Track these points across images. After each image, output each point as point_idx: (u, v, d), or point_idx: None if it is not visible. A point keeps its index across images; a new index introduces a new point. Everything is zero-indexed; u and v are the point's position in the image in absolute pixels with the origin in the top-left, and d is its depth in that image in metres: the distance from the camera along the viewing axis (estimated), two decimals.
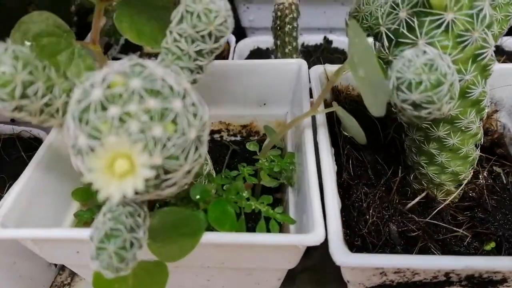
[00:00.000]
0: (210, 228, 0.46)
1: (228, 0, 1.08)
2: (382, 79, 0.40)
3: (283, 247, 0.45)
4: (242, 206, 0.49)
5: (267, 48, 1.01)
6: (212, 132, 0.78)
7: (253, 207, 0.48)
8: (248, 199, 0.49)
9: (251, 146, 0.61)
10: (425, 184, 0.58)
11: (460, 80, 0.44)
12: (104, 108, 0.30)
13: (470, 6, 0.42)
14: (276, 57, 0.82)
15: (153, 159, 0.30)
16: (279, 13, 0.76)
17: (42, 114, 0.36)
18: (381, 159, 0.61)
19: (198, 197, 0.46)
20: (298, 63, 0.70)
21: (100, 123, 0.30)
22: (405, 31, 0.43)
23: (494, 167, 0.68)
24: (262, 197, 0.51)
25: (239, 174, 0.56)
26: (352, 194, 0.55)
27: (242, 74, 0.73)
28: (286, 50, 0.79)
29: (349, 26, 0.48)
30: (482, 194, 0.58)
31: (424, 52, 0.37)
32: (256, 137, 0.78)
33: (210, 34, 0.37)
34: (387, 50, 0.46)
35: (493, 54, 0.45)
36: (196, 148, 0.34)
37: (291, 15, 0.76)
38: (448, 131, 0.50)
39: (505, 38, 1.01)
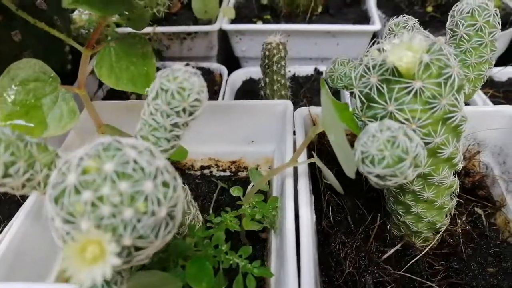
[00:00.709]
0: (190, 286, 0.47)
1: (222, 32, 1.10)
2: (349, 151, 0.42)
3: None
4: (221, 260, 0.50)
5: (259, 79, 1.03)
6: (202, 168, 0.80)
7: (231, 262, 0.50)
8: (226, 253, 0.51)
9: (235, 191, 0.62)
10: (403, 231, 0.59)
11: (429, 143, 0.46)
12: (78, 192, 0.32)
13: (438, 75, 0.43)
14: (265, 94, 0.84)
15: (123, 240, 0.32)
16: (267, 52, 0.78)
17: (24, 188, 0.38)
18: (361, 204, 0.63)
19: (177, 253, 0.48)
20: (284, 104, 0.72)
21: (74, 208, 0.31)
22: (375, 97, 0.45)
23: (476, 208, 0.69)
24: (242, 249, 0.53)
25: (222, 222, 0.58)
26: (331, 243, 0.56)
27: (231, 113, 0.76)
28: (275, 87, 0.81)
29: (321, 90, 0.51)
30: (459, 241, 0.59)
31: (388, 128, 0.38)
32: (244, 172, 0.80)
33: (184, 110, 0.39)
34: (360, 111, 0.48)
35: (464, 115, 0.47)
36: (167, 224, 0.36)
37: (278, 55, 0.78)
38: (422, 185, 0.51)
39: (496, 69, 1.02)
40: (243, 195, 0.63)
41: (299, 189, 0.57)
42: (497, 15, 0.50)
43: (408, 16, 0.57)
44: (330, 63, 0.96)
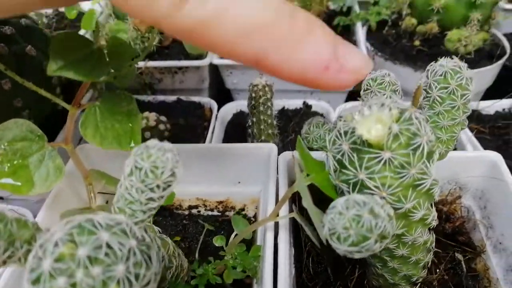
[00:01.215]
0: None
1: (213, 65, 1.10)
2: (319, 224, 0.43)
3: None
4: None
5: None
6: (190, 207, 0.81)
7: None
8: None
9: (217, 241, 0.64)
10: (382, 282, 0.60)
11: (400, 208, 0.47)
12: (53, 278, 0.33)
13: (407, 145, 0.44)
14: (252, 133, 0.86)
15: None
16: (253, 94, 0.80)
17: (5, 263, 0.39)
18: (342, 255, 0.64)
19: None
20: (268, 148, 0.74)
21: None
22: (347, 164, 0.46)
23: (456, 254, 0.71)
24: None
25: (204, 274, 0.59)
26: None
27: (218, 156, 0.77)
28: (262, 127, 0.83)
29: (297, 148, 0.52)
30: None
31: (354, 205, 0.40)
32: (232, 212, 0.81)
33: (158, 186, 0.41)
34: (334, 175, 0.49)
35: (435, 179, 0.48)
36: None
37: (265, 96, 0.79)
38: (397, 244, 0.52)
39: (485, 103, 1.03)
40: (226, 244, 0.65)
41: (279, 243, 0.58)
42: (469, 78, 0.51)
43: (385, 71, 0.59)
44: (315, 98, 0.98)
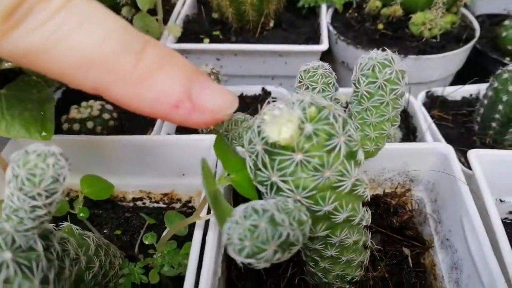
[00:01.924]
0: None
1: None
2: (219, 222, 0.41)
3: None
4: None
5: None
6: (134, 199, 0.79)
7: None
8: None
9: (148, 239, 0.61)
10: (317, 280, 0.58)
11: (319, 211, 0.44)
12: None
13: (321, 146, 0.41)
14: None
15: None
16: None
17: None
18: None
19: None
20: (209, 139, 0.71)
21: None
22: (260, 165, 0.43)
23: (404, 248, 0.68)
24: None
25: (129, 274, 0.57)
26: None
27: (160, 148, 0.74)
28: None
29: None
30: None
31: (252, 213, 0.37)
32: (178, 204, 0.79)
33: (39, 194, 0.37)
34: (251, 174, 0.46)
35: (360, 180, 0.45)
36: None
37: None
38: (324, 245, 0.50)
39: (450, 88, 0.99)
40: (157, 241, 0.62)
41: (206, 241, 0.56)
42: (400, 72, 0.48)
43: (321, 63, 0.55)
44: (276, 84, 0.94)
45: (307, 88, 0.54)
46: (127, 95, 0.33)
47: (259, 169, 0.43)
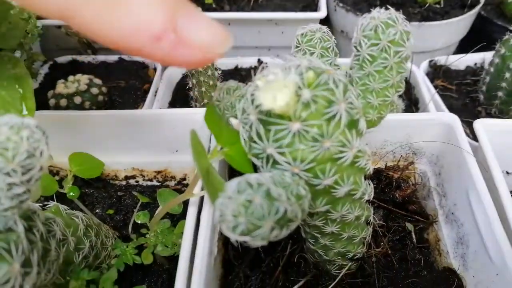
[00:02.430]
0: None
1: None
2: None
3: None
4: None
5: None
6: (127, 178, 0.76)
7: None
8: None
9: (140, 217, 0.58)
10: (317, 257, 0.55)
11: (318, 185, 0.41)
12: None
13: (320, 114, 0.38)
14: (194, 96, 0.78)
15: None
16: None
17: None
18: None
19: None
20: (203, 113, 0.67)
21: None
22: (254, 136, 0.40)
23: (406, 223, 0.66)
24: None
25: (121, 255, 0.54)
26: (234, 278, 0.53)
27: (152, 123, 0.71)
28: (203, 89, 0.75)
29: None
30: (377, 270, 0.55)
31: (246, 187, 0.34)
32: (172, 182, 0.76)
33: (14, 171, 0.34)
34: (246, 146, 0.43)
35: (362, 150, 0.42)
36: None
37: None
38: (324, 221, 0.47)
39: (453, 57, 0.95)
40: (150, 220, 0.59)
41: (201, 219, 0.53)
42: (405, 32, 0.44)
43: (319, 26, 0.51)
44: (273, 55, 0.89)
45: (305, 53, 0.51)
46: (97, 22, 0.28)
47: (254, 141, 0.40)
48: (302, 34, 0.51)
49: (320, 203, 0.44)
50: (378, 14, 0.45)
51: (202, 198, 0.56)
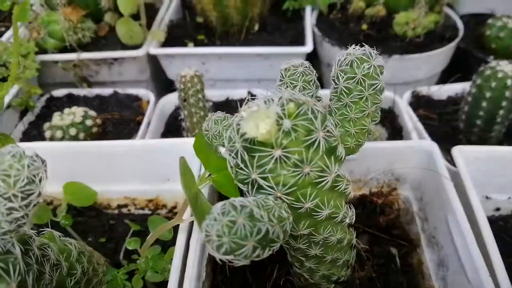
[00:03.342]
0: None
1: (153, 57, 1.02)
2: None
3: None
4: None
5: None
6: (119, 206, 0.78)
7: None
8: None
9: (131, 244, 0.60)
10: (303, 282, 0.57)
11: (300, 209, 0.43)
12: None
13: (300, 142, 0.41)
14: (186, 127, 0.81)
15: None
16: (182, 86, 0.75)
17: None
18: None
19: None
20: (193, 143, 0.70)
21: None
22: (240, 163, 0.42)
23: (391, 248, 0.68)
24: None
25: (112, 280, 0.56)
26: None
27: (144, 153, 0.73)
28: (194, 120, 0.79)
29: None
30: None
31: (230, 210, 0.36)
32: (164, 210, 0.78)
33: (15, 196, 0.37)
34: (232, 173, 0.45)
35: (341, 175, 0.45)
36: None
37: (194, 88, 0.75)
38: (308, 244, 0.49)
39: (435, 87, 0.99)
40: (141, 246, 0.61)
41: (190, 244, 0.55)
42: (379, 67, 0.48)
43: (301, 61, 0.55)
44: (262, 87, 0.92)
45: (288, 86, 0.54)
46: None
47: (240, 168, 0.43)
48: (285, 69, 0.54)
49: (303, 226, 0.46)
50: (354, 50, 0.49)
51: (191, 225, 0.58)
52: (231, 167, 0.45)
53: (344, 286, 0.58)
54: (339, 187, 0.45)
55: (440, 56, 1.04)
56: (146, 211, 0.78)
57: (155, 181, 0.76)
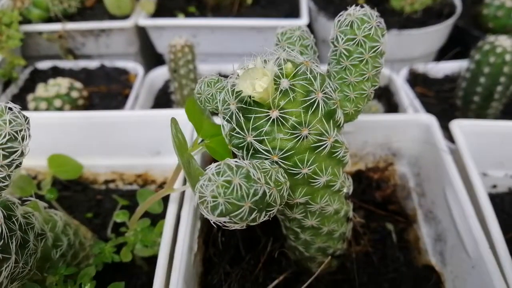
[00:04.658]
0: None
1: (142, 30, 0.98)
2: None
3: None
4: None
5: None
6: (107, 182, 0.75)
7: None
8: None
9: (119, 216, 0.57)
10: (298, 255, 0.55)
11: (297, 174, 0.41)
12: None
13: (298, 102, 0.39)
14: (176, 99, 0.79)
15: None
16: (172, 56, 0.72)
17: None
18: (259, 225, 0.59)
19: None
20: (184, 114, 0.67)
21: None
22: (235, 126, 0.40)
23: (387, 224, 0.66)
24: (111, 286, 0.48)
25: (100, 253, 0.53)
26: (214, 274, 0.52)
27: (132, 124, 0.71)
28: (185, 92, 0.76)
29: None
30: (357, 267, 0.56)
31: (226, 169, 0.34)
32: (153, 186, 0.75)
33: None
34: (226, 138, 0.43)
35: (340, 141, 0.43)
36: None
37: (185, 58, 0.72)
38: (304, 213, 0.47)
39: (430, 65, 0.98)
40: (129, 218, 0.58)
41: (181, 216, 0.53)
42: (379, 27, 0.45)
43: (298, 25, 0.52)
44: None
45: (284, 50, 0.51)
46: None
47: (235, 131, 0.41)
48: (282, 33, 0.52)
49: (299, 194, 0.44)
50: (354, 11, 0.46)
51: (182, 196, 0.56)
52: (225, 132, 0.43)
53: (340, 260, 0.57)
54: (337, 153, 0.43)
55: (438, 33, 1.02)
56: (135, 187, 0.75)
57: (144, 154, 0.73)
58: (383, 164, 0.70)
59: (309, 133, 0.39)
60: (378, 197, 0.66)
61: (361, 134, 0.69)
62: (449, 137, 0.71)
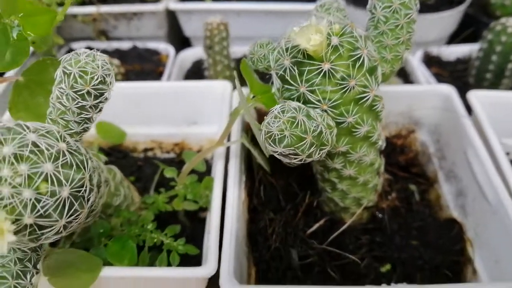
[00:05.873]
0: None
1: (171, 13, 1.04)
2: (257, 131, 0.43)
3: (178, 279, 0.48)
4: (146, 239, 0.51)
5: None
6: (145, 150, 0.80)
7: (155, 240, 0.51)
8: (152, 232, 0.52)
9: (168, 173, 0.63)
10: (332, 207, 0.61)
11: (343, 123, 0.47)
12: None
13: (347, 57, 0.44)
14: (209, 75, 0.84)
15: (24, 219, 0.33)
16: (208, 33, 0.78)
17: None
18: (295, 181, 0.65)
19: (99, 232, 0.49)
20: (222, 86, 0.73)
21: None
22: (289, 79, 0.46)
23: (410, 185, 0.72)
24: (168, 228, 0.54)
25: (154, 203, 0.59)
26: (260, 220, 0.58)
27: (170, 95, 0.76)
28: (218, 68, 0.81)
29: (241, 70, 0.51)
30: (388, 216, 0.61)
31: (290, 109, 0.40)
32: None
33: (89, 93, 0.39)
34: (278, 93, 0.49)
35: (379, 95, 0.48)
36: (72, 203, 0.36)
37: (219, 35, 0.78)
38: (343, 163, 0.53)
39: (443, 48, 1.04)
40: (178, 175, 0.64)
41: (229, 169, 0.58)
42: None
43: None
44: None
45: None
46: None
47: (288, 83, 0.46)
48: (321, 5, 0.57)
49: (342, 142, 0.49)
50: None
51: (227, 153, 0.61)
52: (277, 87, 0.48)
53: (371, 212, 0.62)
54: (376, 107, 0.49)
55: (450, 18, 1.07)
56: (172, 155, 0.81)
57: (182, 124, 0.78)
58: (405, 132, 0.76)
59: (355, 84, 0.45)
60: (402, 160, 0.72)
61: (385, 105, 0.75)
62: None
